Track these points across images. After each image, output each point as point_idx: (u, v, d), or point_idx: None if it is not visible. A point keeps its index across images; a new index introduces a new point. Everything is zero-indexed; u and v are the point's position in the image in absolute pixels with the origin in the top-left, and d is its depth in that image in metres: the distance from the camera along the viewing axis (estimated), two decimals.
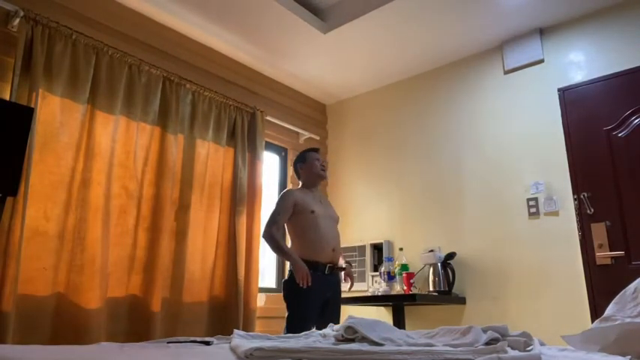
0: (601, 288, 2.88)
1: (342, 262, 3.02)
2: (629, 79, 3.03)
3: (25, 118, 2.37)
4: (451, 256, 3.44)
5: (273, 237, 2.81)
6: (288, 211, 2.88)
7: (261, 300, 3.49)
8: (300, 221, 2.88)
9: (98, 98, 2.76)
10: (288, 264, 2.95)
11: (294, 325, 2.65)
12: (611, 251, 2.91)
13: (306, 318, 2.72)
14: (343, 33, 3.45)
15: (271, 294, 3.63)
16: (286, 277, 2.83)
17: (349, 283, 3.03)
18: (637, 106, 2.98)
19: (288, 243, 3.01)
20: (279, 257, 2.86)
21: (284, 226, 2.94)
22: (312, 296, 2.74)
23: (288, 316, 2.77)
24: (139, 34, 3.15)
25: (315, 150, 3.13)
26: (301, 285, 2.69)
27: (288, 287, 2.79)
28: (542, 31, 3.44)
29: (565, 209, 3.13)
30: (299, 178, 3.10)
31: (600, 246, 2.95)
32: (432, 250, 3.50)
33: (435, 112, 3.88)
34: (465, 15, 3.28)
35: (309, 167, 3.05)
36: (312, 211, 2.88)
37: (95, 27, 2.91)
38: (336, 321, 2.82)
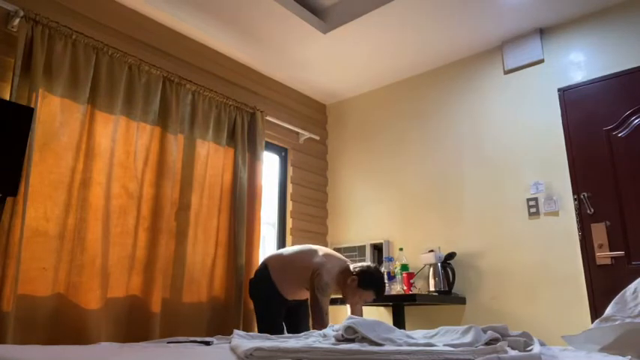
0: (601, 288, 2.88)
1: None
2: (629, 79, 3.03)
3: (25, 118, 2.37)
4: (451, 256, 3.44)
5: (322, 311, 2.70)
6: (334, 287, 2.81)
7: None
8: (308, 282, 2.79)
9: (98, 98, 2.76)
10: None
11: (266, 325, 2.81)
12: (611, 251, 2.91)
13: (276, 316, 2.85)
14: (343, 33, 3.45)
15: None
16: (254, 277, 2.94)
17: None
18: (637, 106, 2.98)
19: (288, 244, 3.02)
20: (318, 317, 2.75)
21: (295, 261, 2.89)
22: (279, 294, 2.85)
23: (258, 316, 2.90)
24: (139, 34, 3.15)
25: (378, 294, 2.83)
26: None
27: (258, 286, 2.90)
28: (542, 31, 3.44)
29: (565, 209, 3.13)
30: (353, 272, 2.81)
31: (600, 246, 2.95)
32: (431, 250, 3.50)
33: (435, 112, 3.88)
34: (465, 15, 3.28)
35: (358, 295, 2.80)
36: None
37: (95, 27, 2.91)
38: (306, 316, 2.98)
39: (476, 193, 3.53)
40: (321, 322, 2.67)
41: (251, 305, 3.26)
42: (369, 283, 2.77)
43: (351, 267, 2.84)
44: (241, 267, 3.25)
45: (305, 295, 2.89)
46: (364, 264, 2.85)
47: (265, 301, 2.87)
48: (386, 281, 3.40)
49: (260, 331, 2.84)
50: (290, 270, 2.84)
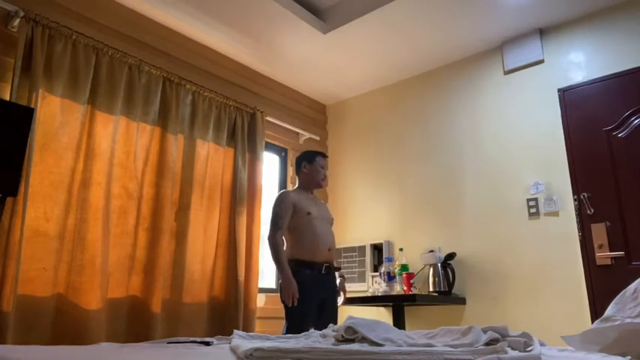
0: (601, 288, 2.88)
1: (337, 278, 3.03)
2: (629, 79, 3.03)
3: (25, 119, 2.37)
4: (451, 256, 3.44)
5: (277, 245, 2.79)
6: (289, 212, 2.87)
7: (260, 300, 3.49)
8: (296, 222, 2.88)
9: (98, 98, 2.76)
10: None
11: (293, 327, 2.66)
12: (611, 251, 2.91)
13: (304, 319, 2.72)
14: (343, 33, 3.45)
15: (271, 294, 3.63)
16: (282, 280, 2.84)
17: (341, 299, 3.02)
18: (637, 107, 2.98)
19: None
20: (274, 265, 2.83)
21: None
22: (308, 297, 2.74)
23: (286, 317, 2.78)
24: (139, 34, 3.15)
25: (324, 156, 3.10)
26: (286, 303, 2.71)
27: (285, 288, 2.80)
28: (542, 32, 3.44)
29: (565, 209, 3.13)
30: (297, 175, 3.09)
31: (600, 246, 2.95)
32: (432, 251, 3.50)
33: (434, 112, 3.88)
34: (465, 15, 3.28)
35: (312, 171, 3.03)
36: (309, 213, 2.88)
37: (95, 27, 2.91)
38: (334, 321, 2.84)
39: (476, 194, 3.53)
40: (274, 256, 2.77)
41: (251, 305, 3.26)
42: (312, 155, 3.06)
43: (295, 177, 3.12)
44: (241, 267, 3.25)
45: (326, 241, 2.91)
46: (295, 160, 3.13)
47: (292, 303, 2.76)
48: (386, 281, 3.41)
49: (288, 330, 2.70)
50: (292, 241, 2.87)
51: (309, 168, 3.04)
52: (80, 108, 2.67)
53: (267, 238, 2.85)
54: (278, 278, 3.64)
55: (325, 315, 2.81)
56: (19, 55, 2.46)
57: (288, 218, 2.87)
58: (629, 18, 3.12)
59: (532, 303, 3.14)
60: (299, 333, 2.70)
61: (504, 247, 3.33)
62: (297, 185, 3.10)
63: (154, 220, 2.91)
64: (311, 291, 2.75)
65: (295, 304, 2.69)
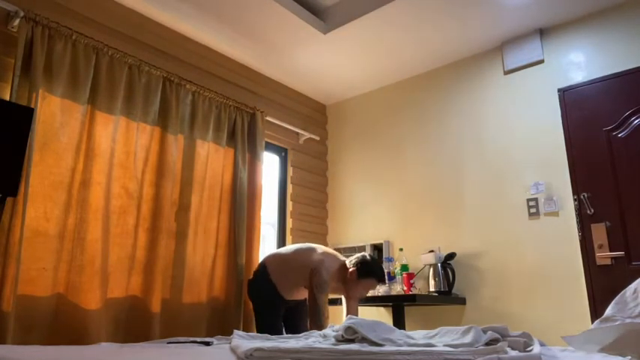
0: (601, 288, 2.88)
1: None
2: (629, 79, 3.03)
3: (25, 119, 2.37)
4: (451, 256, 3.44)
5: (321, 308, 2.71)
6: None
7: None
8: (306, 279, 2.80)
9: (98, 99, 2.76)
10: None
11: (267, 325, 2.80)
12: (611, 252, 2.91)
13: (277, 315, 2.84)
14: (343, 33, 3.45)
15: None
16: (252, 277, 2.95)
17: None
18: (637, 107, 2.98)
19: (288, 244, 3.02)
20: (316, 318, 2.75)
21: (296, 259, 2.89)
22: (278, 294, 2.86)
23: (258, 316, 2.89)
24: (139, 34, 3.15)
25: (380, 282, 2.90)
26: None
27: (257, 286, 2.91)
28: (542, 32, 3.44)
29: (565, 209, 3.13)
30: (350, 265, 2.85)
31: (600, 246, 2.95)
32: (432, 251, 3.50)
33: (434, 112, 3.88)
34: (465, 15, 3.28)
35: (360, 286, 2.82)
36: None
37: (95, 27, 2.91)
38: (304, 313, 2.94)
39: (476, 194, 3.53)
40: (318, 321, 2.67)
41: (251, 305, 3.26)
42: (368, 272, 2.80)
43: (347, 262, 2.86)
44: (241, 267, 3.25)
45: (304, 294, 2.89)
46: (359, 255, 2.88)
47: (264, 302, 2.88)
48: (386, 281, 3.41)
49: (259, 331, 2.83)
50: (288, 269, 2.85)
51: (362, 282, 2.81)
52: (80, 108, 2.67)
53: (312, 298, 2.72)
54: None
55: (299, 315, 2.95)
56: (19, 55, 2.46)
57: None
58: (629, 18, 3.12)
59: (532, 303, 3.14)
60: (274, 328, 2.81)
61: (504, 247, 3.33)
62: (339, 267, 2.87)
63: (154, 220, 2.91)
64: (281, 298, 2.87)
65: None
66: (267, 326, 2.81)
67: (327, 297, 2.77)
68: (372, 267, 2.82)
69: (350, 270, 2.81)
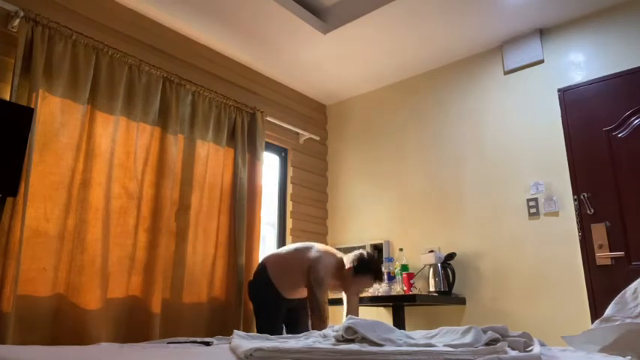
0: (601, 288, 2.88)
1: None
2: (629, 79, 3.03)
3: (25, 119, 2.37)
4: (451, 256, 3.44)
5: (321, 303, 2.72)
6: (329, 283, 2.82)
7: None
8: (304, 278, 2.81)
9: (98, 99, 2.76)
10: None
11: (266, 325, 2.79)
12: (611, 252, 2.91)
13: (277, 315, 2.83)
14: (343, 33, 3.45)
15: None
16: (252, 278, 2.94)
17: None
18: (637, 107, 2.98)
19: (287, 244, 3.02)
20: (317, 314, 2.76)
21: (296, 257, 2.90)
22: (279, 294, 2.85)
23: (258, 316, 2.88)
24: (139, 34, 3.15)
25: (378, 279, 2.91)
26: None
27: (257, 287, 2.90)
28: (542, 32, 3.44)
29: (565, 210, 3.13)
30: (349, 262, 2.86)
31: (600, 246, 2.95)
32: (432, 251, 3.50)
33: (434, 112, 3.88)
34: (465, 15, 3.28)
35: (355, 281, 2.85)
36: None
37: (95, 27, 2.91)
38: (305, 312, 2.92)
39: (476, 194, 3.53)
40: (319, 317, 2.68)
41: (251, 305, 3.26)
42: (365, 269, 2.82)
43: (345, 258, 2.87)
44: (241, 267, 3.25)
45: (304, 293, 2.89)
46: (357, 252, 2.89)
47: (264, 302, 2.88)
48: (384, 279, 3.41)
49: (259, 332, 2.83)
50: (288, 268, 2.85)
51: (356, 276, 2.83)
52: (80, 108, 2.67)
53: (311, 294, 2.75)
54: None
55: (300, 315, 2.93)
56: (19, 55, 2.46)
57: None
58: (629, 18, 3.12)
59: (532, 303, 3.14)
60: (274, 329, 2.80)
61: (504, 247, 3.33)
62: (337, 264, 2.88)
63: (154, 221, 2.91)
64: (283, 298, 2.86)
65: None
66: (267, 327, 2.81)
67: (326, 295, 2.78)
68: (369, 264, 2.84)
69: (347, 267, 2.84)
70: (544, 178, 3.25)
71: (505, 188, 3.41)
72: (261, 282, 2.87)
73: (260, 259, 3.40)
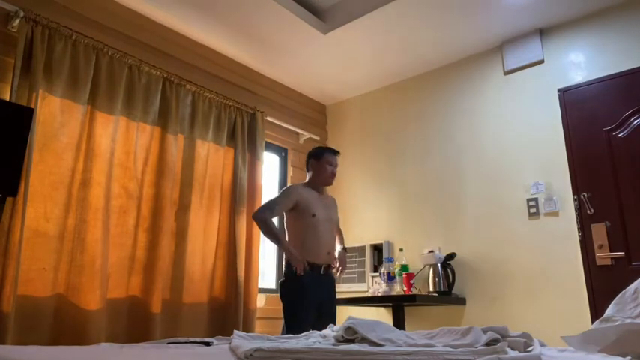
0: (601, 288, 2.88)
1: (338, 247, 3.02)
2: (629, 79, 3.03)
3: (25, 119, 2.37)
4: (451, 256, 3.44)
5: (266, 221, 2.75)
6: (288, 206, 2.84)
7: (260, 301, 3.49)
8: (299, 222, 2.86)
9: (98, 99, 2.77)
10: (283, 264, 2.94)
11: (292, 326, 2.65)
12: (611, 252, 2.91)
13: (304, 318, 2.72)
14: (343, 33, 3.45)
15: (271, 294, 3.63)
16: (283, 278, 2.83)
17: (339, 270, 2.96)
18: (637, 107, 2.98)
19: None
20: (273, 243, 2.84)
21: (278, 219, 2.92)
22: (307, 297, 2.74)
23: (285, 317, 2.77)
24: (139, 35, 3.15)
25: (334, 153, 3.06)
26: (299, 272, 2.69)
27: (286, 287, 2.79)
28: (542, 32, 3.44)
29: (565, 210, 3.13)
30: (307, 172, 3.07)
31: (600, 246, 2.95)
32: (431, 251, 3.50)
33: (435, 112, 3.88)
34: (465, 15, 3.28)
35: (319, 168, 2.99)
36: (314, 215, 2.85)
37: (95, 27, 2.91)
38: (333, 321, 2.83)
39: (476, 194, 3.53)
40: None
41: (251, 305, 3.26)
42: (320, 152, 3.03)
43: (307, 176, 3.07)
44: (241, 267, 3.25)
45: (328, 245, 2.89)
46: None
47: (292, 302, 2.77)
48: (386, 281, 3.41)
49: (287, 331, 2.71)
50: (295, 242, 2.84)
51: (316, 165, 3.00)
52: (80, 108, 2.67)
53: (253, 215, 2.80)
54: (279, 278, 3.65)
55: (324, 315, 2.81)
56: (19, 55, 2.46)
57: (284, 210, 2.86)
58: (629, 18, 3.11)
59: (532, 303, 3.14)
60: (298, 333, 2.71)
61: (504, 247, 3.33)
62: (306, 180, 3.06)
63: (153, 220, 2.91)
64: (311, 291, 2.75)
65: (307, 269, 2.71)
66: (294, 326, 2.67)
67: (271, 216, 2.80)
68: (319, 148, 3.10)
69: (310, 166, 3.02)
70: (544, 178, 3.25)
71: (505, 188, 3.41)
72: (288, 280, 2.79)
73: (260, 259, 3.41)
